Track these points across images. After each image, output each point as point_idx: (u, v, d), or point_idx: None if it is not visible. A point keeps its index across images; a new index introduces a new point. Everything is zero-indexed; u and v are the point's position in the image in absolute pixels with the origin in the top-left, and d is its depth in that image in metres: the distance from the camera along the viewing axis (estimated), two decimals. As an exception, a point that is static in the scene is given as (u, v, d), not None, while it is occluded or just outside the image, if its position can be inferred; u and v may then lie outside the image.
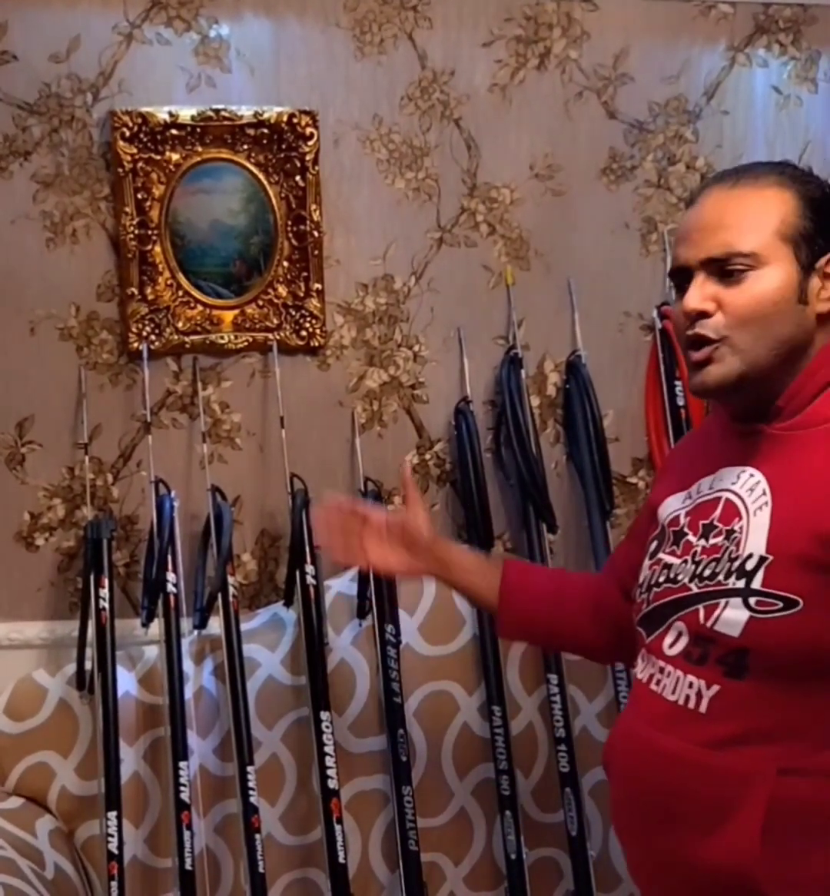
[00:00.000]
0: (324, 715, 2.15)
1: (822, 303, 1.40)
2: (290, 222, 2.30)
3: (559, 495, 2.46)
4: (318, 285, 2.33)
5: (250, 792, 2.10)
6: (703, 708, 1.39)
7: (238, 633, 2.19)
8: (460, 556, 1.82)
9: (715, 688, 1.38)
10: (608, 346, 2.46)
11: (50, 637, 2.36)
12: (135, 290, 2.28)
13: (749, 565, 1.36)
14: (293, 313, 2.34)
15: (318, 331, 2.35)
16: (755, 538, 1.37)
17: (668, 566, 1.49)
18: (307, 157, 2.26)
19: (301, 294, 2.33)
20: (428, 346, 2.42)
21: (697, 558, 1.44)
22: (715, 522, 1.44)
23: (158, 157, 2.22)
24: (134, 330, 2.29)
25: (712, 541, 1.43)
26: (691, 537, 1.47)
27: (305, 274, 2.32)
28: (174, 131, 2.21)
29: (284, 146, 2.25)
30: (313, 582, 2.22)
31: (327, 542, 1.81)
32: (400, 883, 2.19)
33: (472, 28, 2.31)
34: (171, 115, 2.20)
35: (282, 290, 2.33)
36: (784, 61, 2.43)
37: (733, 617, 1.36)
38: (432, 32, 2.30)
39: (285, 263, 2.32)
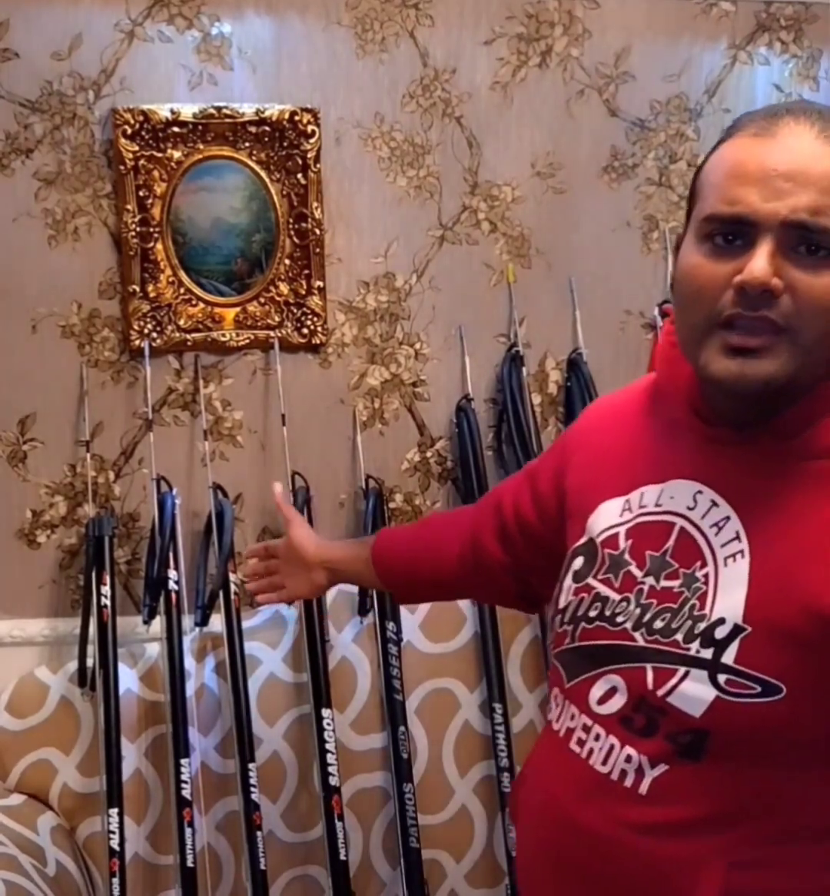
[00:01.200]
0: (325, 712, 2.16)
1: None
2: (291, 220, 2.30)
3: (561, 493, 2.46)
4: (319, 283, 2.33)
5: (252, 789, 2.10)
6: (643, 788, 1.17)
7: (240, 630, 2.19)
8: (341, 552, 1.77)
9: (662, 767, 1.16)
10: (610, 345, 2.46)
11: (51, 634, 2.37)
12: (136, 288, 2.28)
13: (720, 633, 1.12)
14: (295, 311, 2.34)
15: (319, 328, 2.35)
16: (727, 598, 1.12)
17: (602, 599, 1.23)
18: (309, 155, 2.26)
19: (303, 292, 2.33)
20: (429, 343, 2.43)
21: (644, 600, 1.19)
22: (669, 559, 1.18)
23: (160, 155, 2.22)
24: (136, 327, 2.29)
25: (665, 583, 1.18)
26: (634, 570, 1.21)
27: (306, 272, 2.32)
28: (176, 129, 2.21)
29: (285, 144, 2.25)
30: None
31: (257, 590, 1.85)
32: (401, 880, 2.19)
33: (473, 26, 2.31)
34: (172, 112, 2.20)
35: (283, 288, 2.33)
36: (785, 59, 2.43)
37: (694, 692, 1.12)
38: (434, 30, 2.30)
39: (287, 261, 2.32)
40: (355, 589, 2.27)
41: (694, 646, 1.13)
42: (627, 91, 2.38)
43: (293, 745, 2.25)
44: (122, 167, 2.21)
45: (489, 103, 2.35)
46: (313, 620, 2.20)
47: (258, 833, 2.10)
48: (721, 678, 1.11)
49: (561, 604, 1.30)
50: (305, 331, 2.35)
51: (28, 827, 2.08)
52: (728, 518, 1.15)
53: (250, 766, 2.12)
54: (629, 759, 1.18)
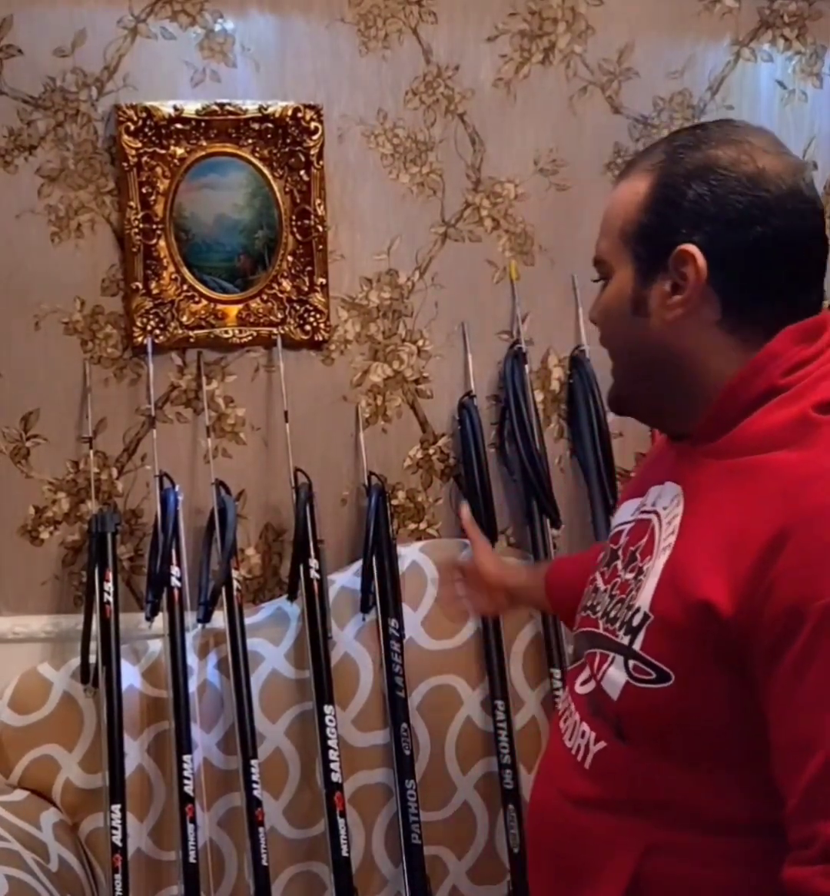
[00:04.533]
0: (327, 709, 2.16)
1: (668, 310, 1.20)
2: (294, 217, 2.30)
3: (563, 490, 2.46)
4: (322, 280, 2.33)
5: (254, 785, 2.11)
6: (587, 763, 1.26)
7: (242, 626, 2.19)
8: (519, 580, 1.84)
9: (601, 744, 1.25)
10: (612, 342, 2.46)
11: (54, 631, 2.37)
12: (139, 285, 2.28)
13: (636, 621, 1.19)
14: (298, 308, 2.34)
15: (322, 325, 2.35)
16: (646, 589, 1.19)
17: (596, 590, 1.34)
18: (312, 152, 2.27)
19: (305, 288, 2.33)
20: (432, 340, 2.43)
21: (613, 591, 1.28)
22: (637, 554, 1.26)
23: (163, 152, 2.22)
24: (138, 324, 2.29)
25: (626, 576, 1.26)
26: (618, 564, 1.30)
27: (309, 268, 2.32)
28: (179, 125, 2.21)
29: (288, 141, 2.25)
30: (317, 576, 2.22)
31: (453, 608, 2.00)
32: (403, 876, 2.19)
33: (477, 23, 2.31)
34: (175, 109, 2.20)
35: (286, 285, 2.33)
36: (788, 56, 2.43)
37: (614, 677, 1.21)
38: (437, 27, 2.30)
39: (290, 258, 2.32)
40: (357, 585, 2.27)
41: (621, 633, 1.22)
42: (630, 88, 2.38)
43: (295, 741, 2.25)
44: (125, 164, 2.21)
45: (492, 100, 2.34)
46: (315, 617, 2.20)
47: (260, 829, 2.10)
48: (630, 664, 1.19)
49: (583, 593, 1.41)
50: (307, 327, 2.35)
51: (31, 823, 2.08)
52: (677, 515, 1.22)
53: (253, 762, 2.12)
54: (583, 734, 1.28)
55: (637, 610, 1.19)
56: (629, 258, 1.22)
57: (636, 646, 1.18)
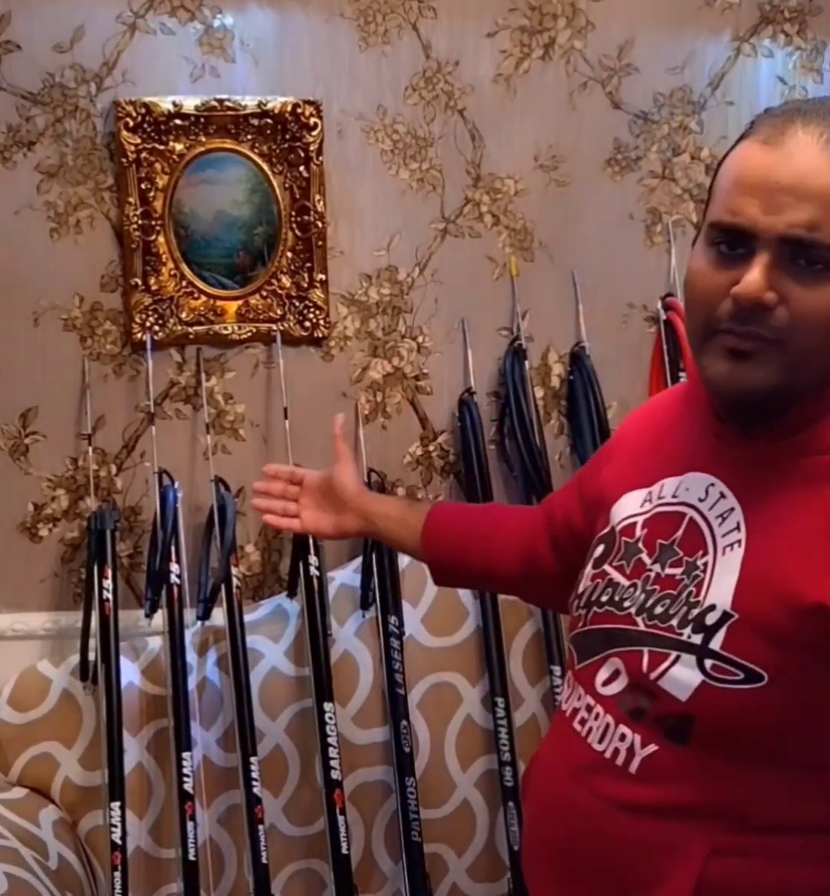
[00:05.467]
0: (327, 706, 2.16)
1: None
2: (293, 213, 2.29)
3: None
4: (321, 276, 2.33)
5: (254, 783, 2.10)
6: (633, 767, 1.21)
7: (242, 624, 2.19)
8: (385, 508, 1.73)
9: (651, 748, 1.20)
10: (612, 338, 2.46)
11: (54, 628, 2.37)
12: (138, 281, 2.28)
13: (710, 619, 1.16)
14: (297, 304, 2.34)
15: (321, 322, 2.35)
16: (720, 586, 1.16)
17: (614, 584, 1.28)
18: (311, 148, 2.26)
19: (305, 285, 2.33)
20: (432, 337, 2.42)
21: (649, 587, 1.23)
22: (676, 547, 1.23)
23: (162, 148, 2.22)
24: (137, 320, 2.29)
25: (669, 571, 1.22)
26: (645, 557, 1.26)
27: (308, 265, 2.32)
28: (178, 121, 2.21)
29: (288, 136, 2.25)
30: (317, 573, 2.22)
31: (266, 508, 1.77)
32: (403, 874, 2.19)
33: (476, 18, 2.30)
34: (174, 105, 2.20)
35: (286, 281, 2.33)
36: (789, 52, 2.42)
37: (682, 677, 1.17)
38: (437, 23, 2.29)
39: (289, 254, 2.32)
40: (357, 583, 2.27)
41: (687, 631, 1.17)
42: (630, 83, 2.38)
43: (295, 738, 2.25)
44: (124, 160, 2.21)
45: (492, 96, 2.34)
46: (315, 614, 2.20)
47: (260, 827, 2.09)
48: (708, 663, 1.15)
49: (579, 589, 1.35)
50: (307, 324, 2.35)
51: (30, 820, 2.08)
52: (732, 509, 1.19)
53: (252, 759, 2.12)
54: (622, 737, 1.22)
55: (711, 607, 1.16)
56: None
57: (715, 645, 1.14)
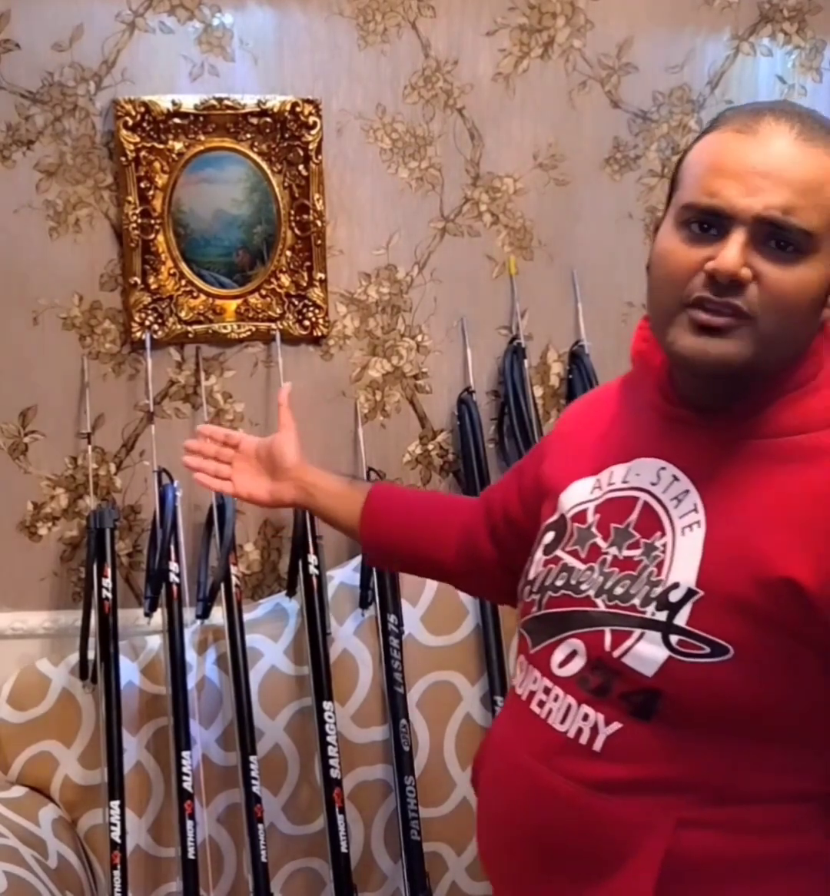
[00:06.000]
0: (326, 705, 2.16)
1: (827, 307, 1.19)
2: (293, 212, 2.29)
3: (562, 486, 2.45)
4: (321, 275, 2.33)
5: (253, 782, 2.10)
6: (597, 746, 1.22)
7: (241, 623, 2.19)
8: (325, 482, 1.71)
9: (615, 726, 1.21)
10: (612, 337, 2.45)
11: (53, 627, 2.37)
12: (138, 280, 2.28)
13: (674, 596, 1.18)
14: (296, 303, 2.34)
15: (321, 320, 2.35)
16: (683, 565, 1.19)
17: (569, 569, 1.29)
18: (310, 147, 2.26)
19: (304, 284, 2.33)
20: (431, 336, 2.42)
21: (606, 569, 1.25)
22: (631, 530, 1.25)
23: (161, 147, 2.22)
24: (137, 319, 2.29)
25: (626, 553, 1.25)
26: (599, 541, 1.28)
27: (308, 263, 2.32)
28: (177, 120, 2.21)
29: (287, 135, 2.25)
30: (316, 572, 2.22)
31: (195, 466, 1.74)
32: (402, 872, 2.19)
33: (475, 17, 2.30)
34: (174, 103, 2.20)
35: (285, 280, 2.33)
36: (788, 51, 2.42)
37: (648, 653, 1.18)
38: (436, 21, 2.29)
39: (288, 253, 2.32)
40: (356, 581, 2.27)
41: (650, 609, 1.19)
42: (629, 82, 2.38)
43: (294, 737, 2.25)
44: (123, 158, 2.21)
45: (491, 95, 2.34)
46: (315, 613, 2.20)
47: (260, 825, 2.10)
48: (674, 639, 1.17)
49: (531, 575, 1.36)
50: (306, 323, 2.35)
51: (29, 819, 2.08)
52: (687, 491, 1.22)
53: (252, 758, 2.12)
54: (585, 717, 1.24)
55: (674, 586, 1.19)
56: None
57: (680, 621, 1.17)
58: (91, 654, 2.18)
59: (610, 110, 2.39)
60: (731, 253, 1.12)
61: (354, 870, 2.16)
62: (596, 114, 2.38)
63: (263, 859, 2.09)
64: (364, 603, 2.28)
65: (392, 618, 2.25)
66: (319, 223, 2.30)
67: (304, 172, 2.27)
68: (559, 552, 1.32)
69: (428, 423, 2.46)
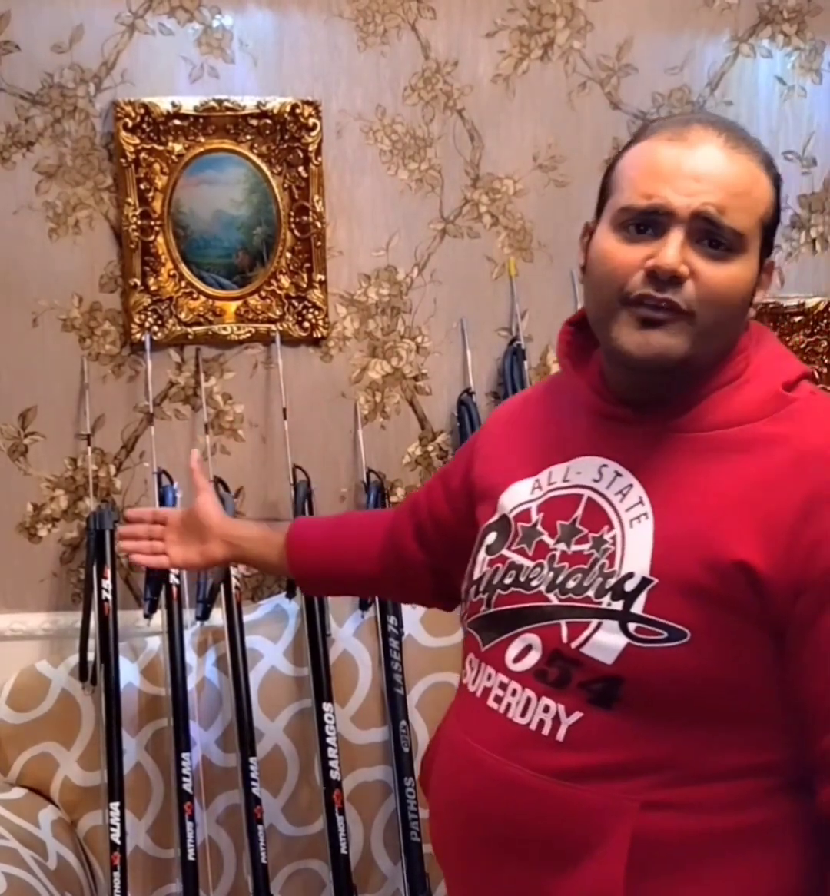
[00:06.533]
0: (326, 706, 2.16)
1: (753, 308, 1.27)
2: (293, 213, 2.29)
3: (562, 487, 2.45)
4: (321, 276, 2.33)
5: (253, 783, 2.10)
6: (560, 735, 1.24)
7: (241, 624, 2.19)
8: (249, 531, 1.79)
9: (577, 715, 1.24)
10: (612, 338, 2.45)
11: (53, 628, 2.37)
12: (137, 281, 2.28)
13: (629, 586, 1.22)
14: (296, 304, 2.34)
15: (321, 322, 2.35)
16: (635, 555, 1.23)
17: (517, 567, 1.32)
18: (310, 148, 2.26)
19: (304, 285, 2.33)
20: (431, 337, 2.42)
21: (556, 564, 1.28)
22: (578, 526, 1.29)
23: (161, 148, 2.22)
24: (137, 321, 2.29)
25: (575, 547, 1.28)
26: (546, 539, 1.30)
27: (307, 265, 2.32)
28: (177, 122, 2.21)
29: (286, 137, 2.25)
30: (316, 573, 2.22)
31: (132, 548, 1.81)
32: (402, 874, 2.19)
33: (475, 18, 2.30)
34: (174, 105, 2.20)
35: (285, 281, 2.33)
36: (788, 52, 2.42)
37: (606, 642, 1.22)
38: (436, 23, 2.29)
39: (288, 254, 2.32)
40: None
41: (606, 599, 1.23)
42: (629, 83, 2.38)
43: (294, 738, 2.25)
44: (123, 160, 2.21)
45: (491, 96, 2.34)
46: (314, 614, 2.20)
47: (259, 827, 2.10)
48: (631, 626, 1.21)
49: (475, 576, 1.38)
50: (306, 324, 2.35)
51: (29, 820, 2.08)
52: (631, 485, 1.26)
53: (251, 759, 2.12)
54: (546, 708, 1.26)
55: (629, 575, 1.22)
56: (758, 248, 1.24)
57: (636, 609, 1.20)
58: (91, 656, 2.18)
59: (610, 112, 2.39)
60: (671, 250, 1.18)
61: (353, 871, 2.16)
62: (596, 115, 2.38)
63: (263, 860, 2.09)
64: (364, 604, 2.28)
65: (392, 619, 2.25)
66: (318, 224, 2.30)
67: (304, 174, 2.27)
68: (504, 551, 1.34)
69: (428, 425, 2.46)
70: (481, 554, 1.38)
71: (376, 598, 2.25)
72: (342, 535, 1.73)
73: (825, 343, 2.49)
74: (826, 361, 2.51)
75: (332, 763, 2.13)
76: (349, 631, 2.28)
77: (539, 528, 1.32)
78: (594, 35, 2.35)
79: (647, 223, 1.21)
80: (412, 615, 2.29)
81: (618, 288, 1.22)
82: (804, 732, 1.22)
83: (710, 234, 1.19)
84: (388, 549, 1.65)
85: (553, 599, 1.27)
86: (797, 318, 2.47)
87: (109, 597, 2.16)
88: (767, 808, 1.24)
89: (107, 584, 2.17)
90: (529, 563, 1.31)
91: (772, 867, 1.24)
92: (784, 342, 2.45)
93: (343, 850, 2.12)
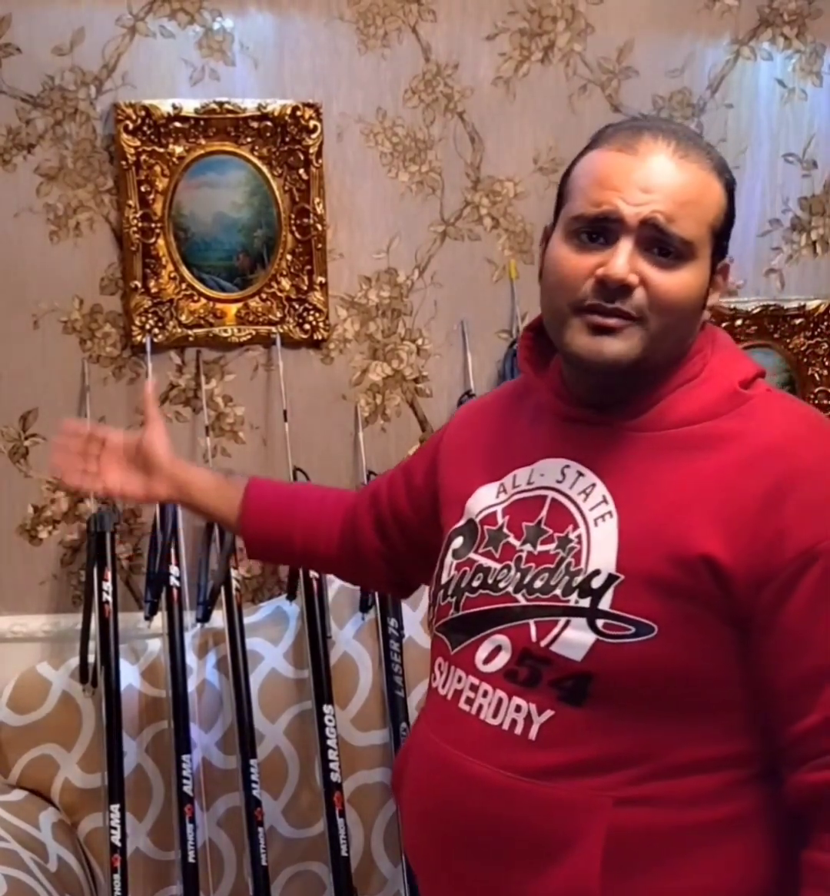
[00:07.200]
0: (327, 708, 2.16)
1: (706, 311, 1.30)
2: (293, 215, 2.30)
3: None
4: (321, 279, 2.33)
5: (253, 785, 2.10)
6: (532, 734, 1.26)
7: (241, 626, 2.19)
8: (199, 477, 1.70)
9: (548, 713, 1.25)
10: (612, 340, 2.46)
11: (53, 630, 2.37)
12: (138, 284, 2.28)
13: (596, 583, 1.23)
14: (297, 307, 2.34)
15: (321, 324, 2.35)
16: (601, 552, 1.24)
17: (484, 569, 1.33)
18: (311, 151, 2.26)
19: (305, 287, 2.33)
20: (431, 339, 2.42)
21: (523, 566, 1.30)
22: (543, 526, 1.30)
23: (162, 150, 2.22)
24: (137, 323, 2.29)
25: (541, 548, 1.29)
26: (512, 540, 1.32)
27: (308, 267, 2.32)
28: (178, 124, 2.21)
29: (287, 139, 2.25)
30: (316, 575, 2.22)
31: (63, 464, 1.67)
32: (402, 876, 2.19)
33: (476, 21, 2.31)
34: (174, 107, 2.20)
35: (285, 284, 2.33)
36: (788, 55, 2.42)
37: (575, 639, 1.23)
38: (436, 25, 2.29)
39: (289, 257, 2.32)
40: (356, 587, 2.26)
41: (573, 597, 1.24)
42: (629, 86, 2.38)
43: (295, 741, 2.25)
44: (123, 162, 2.21)
45: (492, 98, 2.34)
46: (315, 616, 2.20)
47: (260, 829, 2.10)
48: (600, 623, 1.22)
49: (443, 580, 1.39)
50: (306, 326, 2.35)
51: (29, 823, 2.08)
52: (594, 485, 1.28)
53: (252, 762, 2.12)
54: (518, 708, 1.27)
55: (594, 573, 1.24)
56: (708, 254, 1.26)
57: (604, 605, 1.22)
58: (91, 658, 2.18)
59: (611, 114, 2.38)
60: (620, 261, 1.21)
61: (354, 873, 2.15)
62: (596, 118, 2.37)
63: (264, 863, 2.09)
64: (364, 606, 2.27)
65: (392, 621, 2.25)
66: (319, 227, 2.30)
67: (304, 176, 2.27)
68: (471, 555, 1.36)
69: (429, 427, 2.46)
70: (449, 558, 1.39)
71: (377, 599, 2.25)
72: (303, 509, 1.69)
73: (825, 345, 2.50)
74: (826, 364, 2.51)
75: (332, 765, 2.13)
76: (350, 633, 2.28)
77: (505, 530, 1.34)
78: (595, 38, 2.35)
79: (598, 231, 1.24)
80: (413, 617, 2.29)
81: (570, 296, 1.25)
82: (770, 721, 1.24)
83: (659, 242, 1.22)
84: (346, 534, 1.65)
85: (521, 600, 1.28)
86: (797, 321, 2.48)
87: (110, 599, 2.16)
88: (738, 800, 1.26)
89: (107, 586, 2.17)
90: (496, 566, 1.32)
91: (744, 857, 1.26)
92: (785, 345, 2.47)
93: (344, 853, 2.12)
